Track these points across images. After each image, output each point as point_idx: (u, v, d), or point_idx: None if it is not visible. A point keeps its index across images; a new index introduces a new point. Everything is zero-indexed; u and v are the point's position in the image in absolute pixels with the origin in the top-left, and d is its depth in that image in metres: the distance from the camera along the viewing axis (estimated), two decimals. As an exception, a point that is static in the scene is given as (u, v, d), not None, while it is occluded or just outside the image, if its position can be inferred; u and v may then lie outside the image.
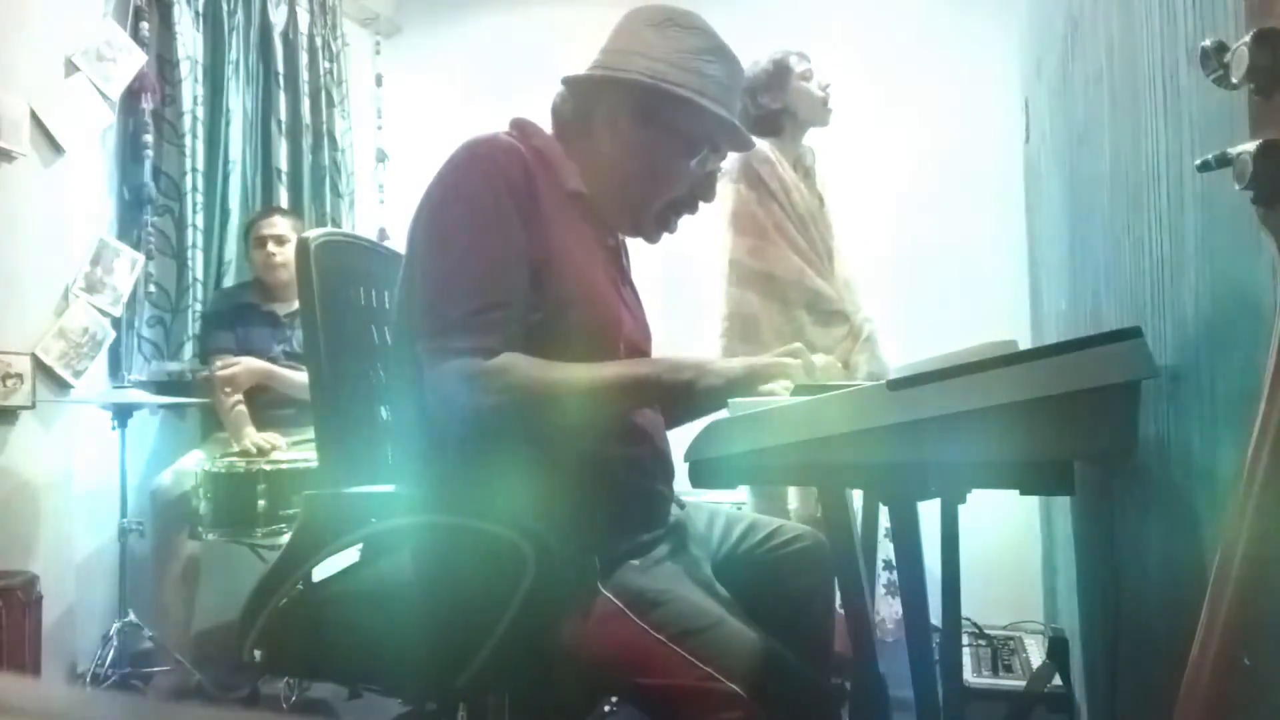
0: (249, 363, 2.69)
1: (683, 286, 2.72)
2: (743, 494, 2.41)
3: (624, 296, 1.33)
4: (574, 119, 1.29)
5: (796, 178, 2.46)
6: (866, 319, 2.48)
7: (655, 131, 1.25)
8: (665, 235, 1.34)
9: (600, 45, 1.33)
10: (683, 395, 1.13)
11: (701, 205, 1.32)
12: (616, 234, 1.36)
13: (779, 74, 2.42)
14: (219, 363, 2.68)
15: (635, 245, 1.44)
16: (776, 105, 2.43)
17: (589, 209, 1.27)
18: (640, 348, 1.36)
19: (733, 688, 1.00)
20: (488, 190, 1.15)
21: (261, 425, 2.70)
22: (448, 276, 1.14)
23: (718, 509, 1.45)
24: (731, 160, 2.37)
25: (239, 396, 2.69)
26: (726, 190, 2.41)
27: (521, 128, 1.29)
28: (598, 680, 1.14)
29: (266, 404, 2.73)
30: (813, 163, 2.56)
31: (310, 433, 1.74)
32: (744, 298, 2.39)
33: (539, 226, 1.16)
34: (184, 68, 2.87)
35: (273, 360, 2.77)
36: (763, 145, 2.38)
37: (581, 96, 1.29)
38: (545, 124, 1.32)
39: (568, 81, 1.30)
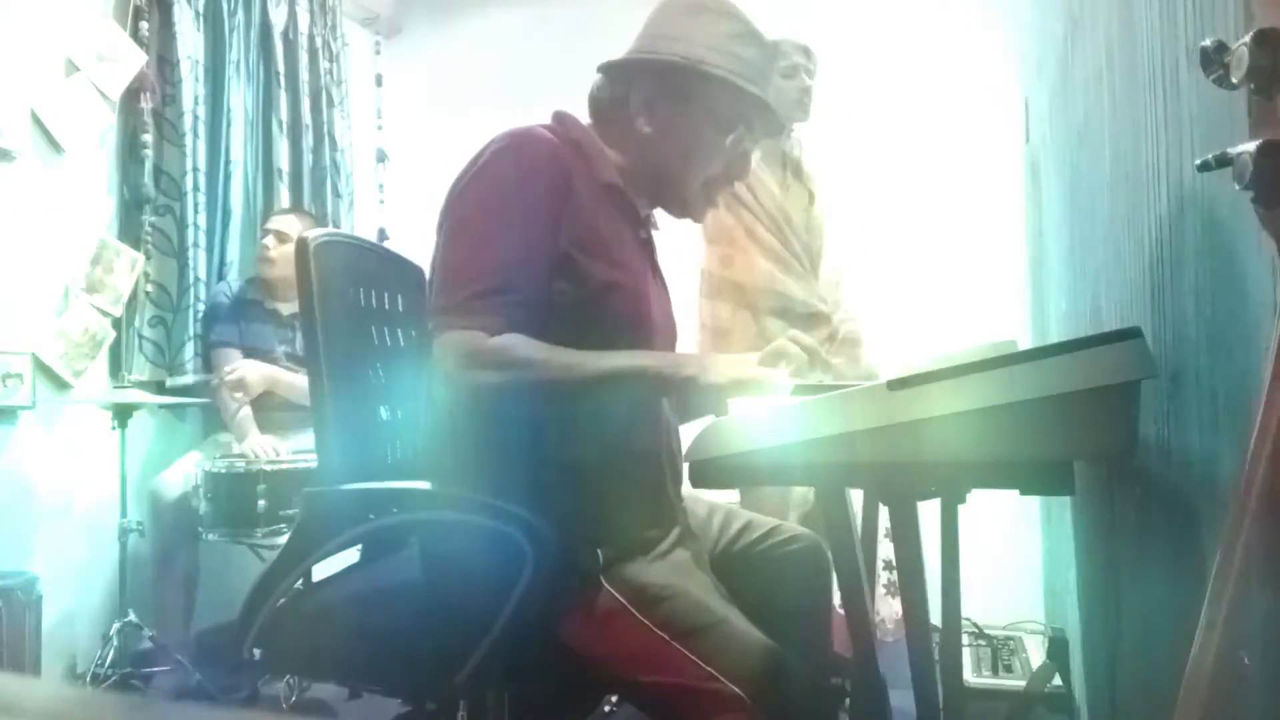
0: (255, 367, 2.69)
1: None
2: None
3: (654, 288, 1.35)
4: (611, 105, 1.32)
5: (770, 176, 2.41)
6: (845, 319, 2.45)
7: (691, 111, 1.27)
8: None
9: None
10: (684, 390, 1.14)
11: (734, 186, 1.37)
12: (649, 226, 1.38)
13: None
14: (226, 368, 2.68)
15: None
16: None
17: (623, 200, 1.30)
18: (669, 340, 1.38)
19: (734, 689, 1.00)
20: (515, 179, 1.18)
21: (264, 427, 2.70)
22: (464, 257, 1.16)
23: (716, 504, 1.45)
24: None
25: (246, 400, 2.69)
26: None
27: (561, 120, 1.31)
28: (598, 676, 1.14)
29: (270, 407, 2.72)
30: (800, 154, 2.51)
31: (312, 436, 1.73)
32: (715, 309, 2.37)
33: (572, 215, 1.18)
34: (184, 67, 2.86)
35: (275, 360, 2.77)
36: None
37: (618, 82, 1.31)
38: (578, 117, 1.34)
39: (605, 68, 1.32)
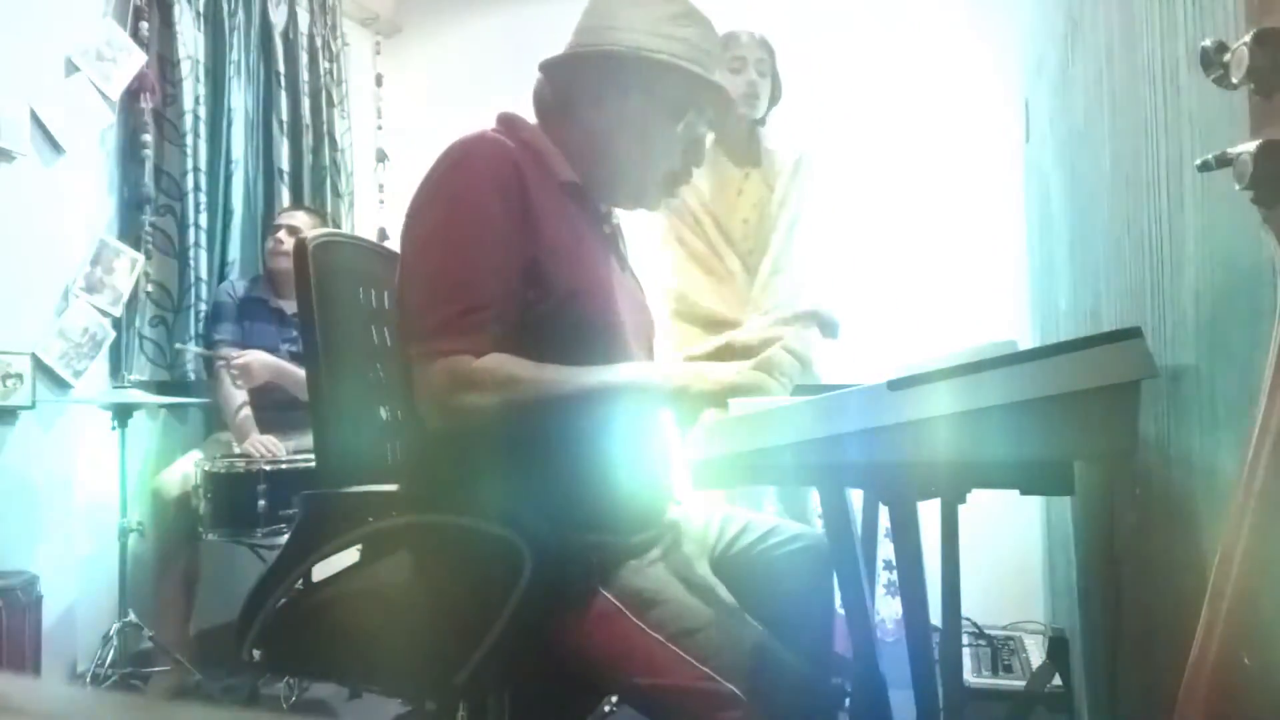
0: (261, 356, 2.68)
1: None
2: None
3: (624, 284, 1.33)
4: (556, 104, 1.29)
5: (710, 172, 2.34)
6: (780, 324, 2.41)
7: (640, 102, 1.25)
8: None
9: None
10: (676, 401, 1.12)
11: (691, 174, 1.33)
12: (611, 220, 1.36)
13: None
14: (233, 354, 2.67)
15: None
16: None
17: (582, 198, 1.27)
18: (644, 335, 1.36)
19: (730, 688, 1.00)
20: (474, 190, 1.15)
21: (265, 427, 2.70)
22: (435, 278, 1.14)
23: (714, 505, 1.43)
24: None
25: (245, 398, 2.69)
26: None
27: (509, 122, 1.28)
28: (595, 679, 1.13)
29: (271, 405, 2.72)
30: (770, 145, 2.42)
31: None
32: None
33: (532, 222, 1.16)
34: (185, 67, 2.87)
35: (279, 358, 2.77)
36: None
37: (562, 79, 1.29)
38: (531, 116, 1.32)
39: (545, 66, 1.29)
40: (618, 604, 1.08)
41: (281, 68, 3.27)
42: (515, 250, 1.14)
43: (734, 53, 2.31)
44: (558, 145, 1.26)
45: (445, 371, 1.09)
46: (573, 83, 1.27)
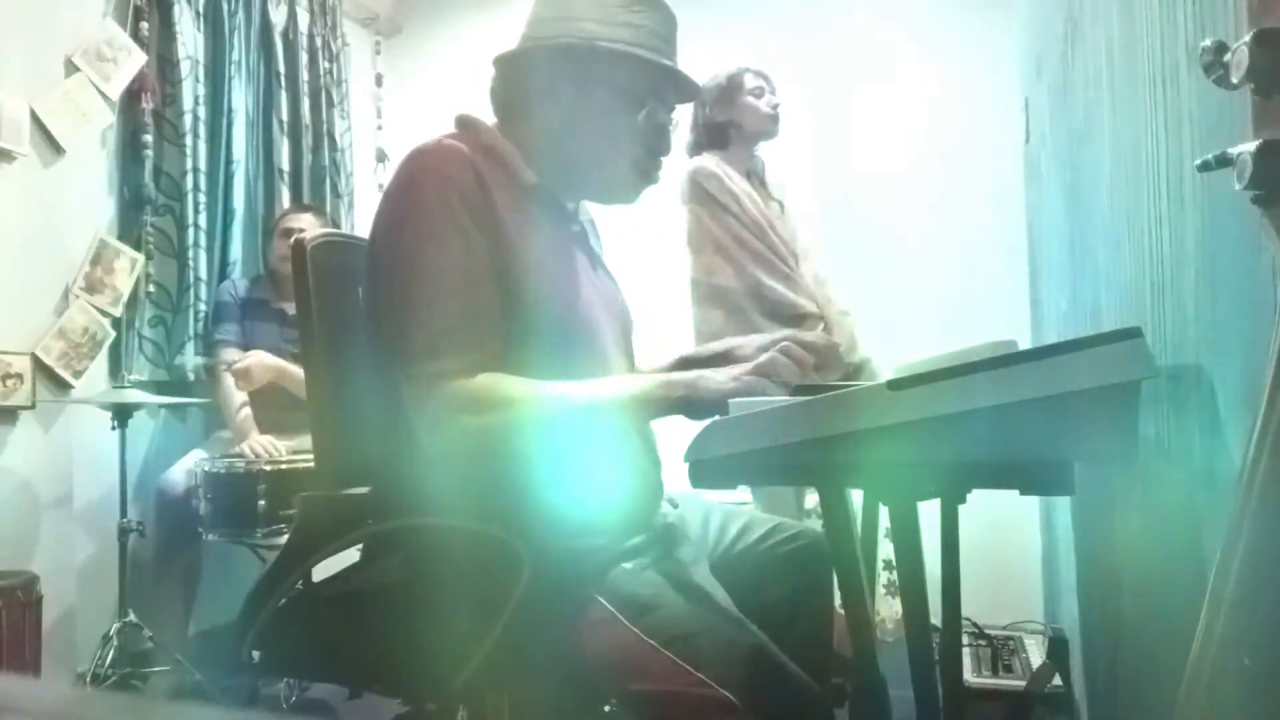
0: (262, 357, 2.68)
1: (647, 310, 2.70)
2: (743, 494, 2.40)
3: (597, 284, 1.31)
4: (512, 100, 1.27)
5: (749, 186, 2.49)
6: (842, 313, 2.50)
7: (596, 93, 1.22)
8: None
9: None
10: (677, 412, 1.11)
11: (663, 161, 1.29)
12: (579, 217, 1.34)
13: (730, 89, 2.48)
14: (234, 355, 2.67)
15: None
16: (723, 118, 2.49)
17: (548, 199, 1.25)
18: (621, 335, 1.35)
19: (725, 694, 0.99)
20: (441, 205, 1.12)
21: (265, 428, 2.70)
22: (415, 300, 1.12)
23: (712, 506, 1.43)
24: (680, 181, 2.43)
25: (245, 398, 2.69)
26: (680, 211, 2.47)
27: (468, 126, 1.26)
28: (591, 685, 1.13)
29: (272, 405, 2.72)
30: (763, 171, 2.60)
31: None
32: (708, 316, 2.42)
33: (498, 232, 1.14)
34: (184, 67, 2.87)
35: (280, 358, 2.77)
36: (708, 160, 2.45)
37: (515, 75, 1.26)
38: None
39: (499, 62, 1.27)
40: (613, 610, 1.08)
41: (281, 68, 3.27)
42: (487, 262, 1.12)
43: (752, 83, 2.50)
44: (516, 145, 1.24)
45: (440, 396, 1.08)
46: (528, 79, 1.24)
